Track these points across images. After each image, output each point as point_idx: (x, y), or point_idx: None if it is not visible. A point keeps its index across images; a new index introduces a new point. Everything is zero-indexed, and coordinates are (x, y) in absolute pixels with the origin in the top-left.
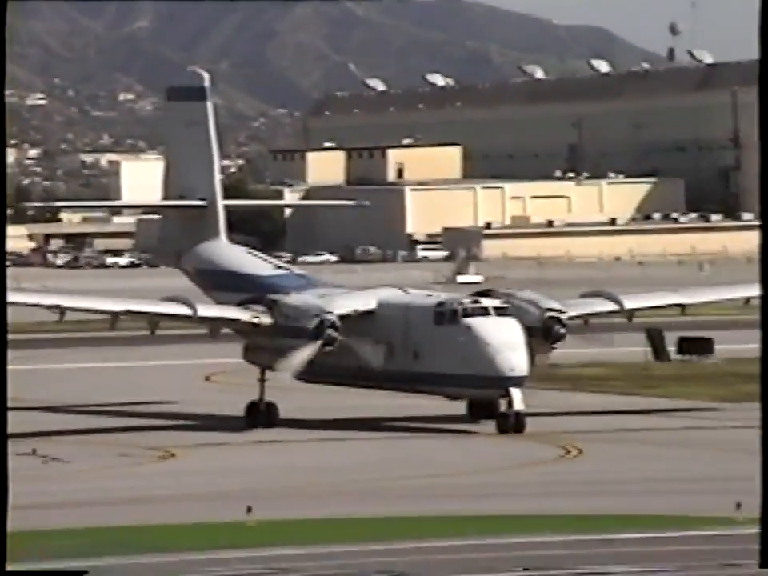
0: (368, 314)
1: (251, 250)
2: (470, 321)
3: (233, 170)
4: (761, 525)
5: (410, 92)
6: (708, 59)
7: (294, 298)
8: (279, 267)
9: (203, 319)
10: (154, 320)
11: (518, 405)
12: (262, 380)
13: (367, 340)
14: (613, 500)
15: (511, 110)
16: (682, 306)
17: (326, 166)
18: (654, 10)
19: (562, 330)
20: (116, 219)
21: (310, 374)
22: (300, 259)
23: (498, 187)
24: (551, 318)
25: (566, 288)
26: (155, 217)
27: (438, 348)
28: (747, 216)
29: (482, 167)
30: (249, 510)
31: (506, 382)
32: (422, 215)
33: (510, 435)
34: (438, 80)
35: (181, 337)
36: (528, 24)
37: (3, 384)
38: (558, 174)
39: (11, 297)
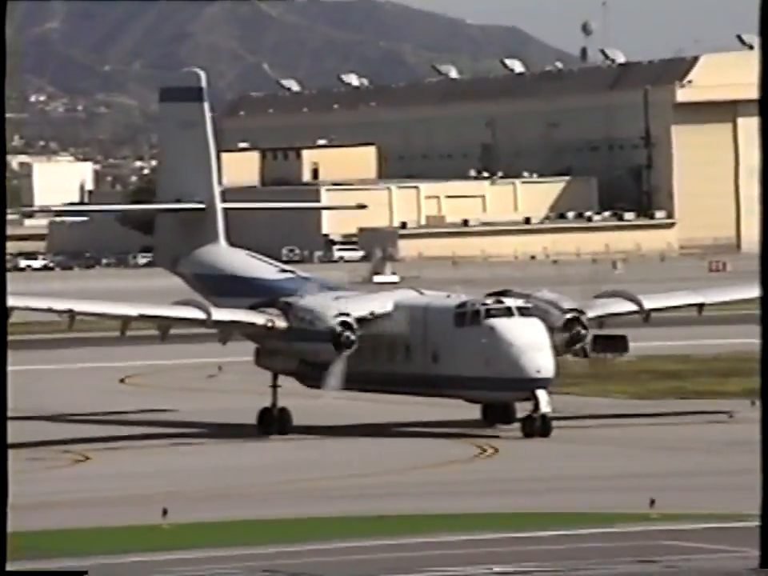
0: (384, 316)
1: (253, 254)
2: (492, 322)
3: (146, 171)
4: (761, 525)
5: (324, 92)
6: (620, 58)
7: (310, 301)
8: (284, 270)
9: (217, 323)
10: (166, 324)
11: (545, 407)
12: (275, 385)
13: (384, 343)
14: (527, 498)
15: (425, 110)
16: (700, 306)
17: (240, 167)
18: (566, 9)
19: (583, 332)
20: (27, 222)
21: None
22: None
23: (413, 187)
24: (571, 319)
25: (482, 287)
26: (68, 219)
27: (460, 350)
28: (660, 214)
29: (396, 167)
30: (164, 512)
31: (532, 384)
32: (338, 215)
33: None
34: (353, 80)
35: (93, 339)
36: (441, 24)
37: (3, 387)
38: (473, 173)
39: (23, 302)
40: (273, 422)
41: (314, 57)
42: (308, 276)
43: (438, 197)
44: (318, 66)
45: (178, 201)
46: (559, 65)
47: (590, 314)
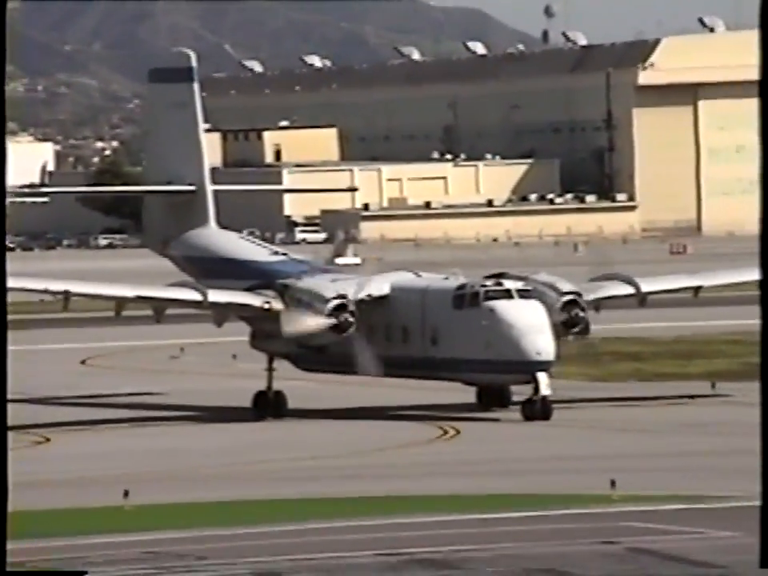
0: (381, 298)
1: (244, 236)
2: (492, 303)
3: (107, 152)
4: (761, 525)
5: (286, 73)
6: (582, 41)
7: (307, 282)
8: (276, 252)
9: (214, 305)
10: (162, 306)
11: (545, 390)
12: (270, 369)
13: (381, 326)
14: (489, 480)
15: (388, 92)
16: (697, 289)
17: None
18: None
19: (582, 314)
20: None
21: (322, 363)
22: None
23: (375, 169)
24: (570, 301)
25: (446, 269)
26: (28, 200)
27: (459, 333)
28: (621, 197)
29: (359, 149)
30: (126, 494)
31: (533, 367)
32: (300, 197)
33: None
34: (315, 61)
35: (47, 321)
36: (403, 5)
37: (3, 378)
38: (435, 155)
39: (17, 282)
40: (268, 405)
41: (276, 37)
42: (301, 258)
43: (400, 179)
44: (279, 46)
45: (168, 183)
46: (521, 47)
47: (588, 296)
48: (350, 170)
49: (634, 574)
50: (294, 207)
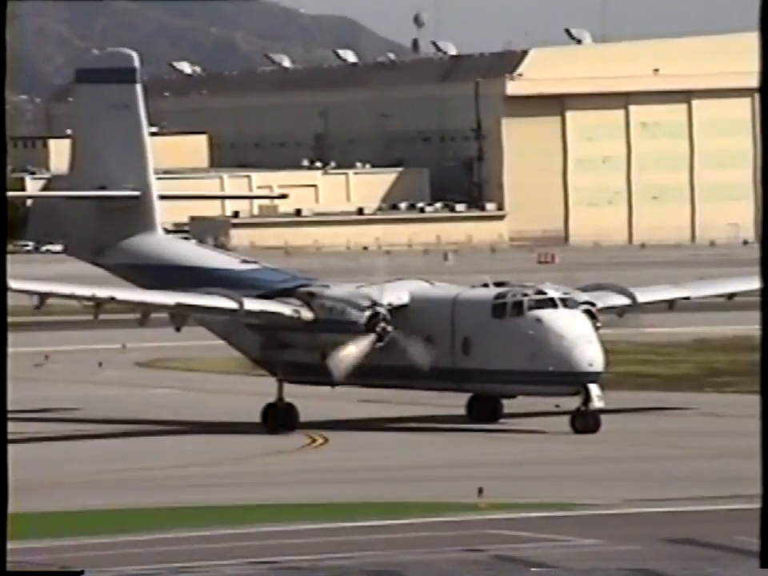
0: (400, 308)
1: (200, 243)
2: (538, 313)
3: None
4: (761, 524)
5: (155, 79)
6: (452, 51)
7: (338, 290)
8: (246, 261)
9: (249, 313)
10: (188, 313)
11: (597, 403)
12: (281, 380)
13: (410, 336)
14: (356, 488)
15: (258, 98)
16: (680, 300)
17: (68, 154)
18: (398, 1)
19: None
20: None
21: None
22: (44, 249)
23: (245, 176)
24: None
25: (321, 276)
26: None
27: (499, 343)
28: (490, 206)
29: (229, 156)
30: None
31: (584, 378)
32: (169, 204)
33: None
34: (185, 67)
35: None
36: (274, 13)
37: (3, 383)
38: (306, 163)
39: (69, 289)
40: (279, 417)
41: (145, 43)
42: (275, 267)
43: (270, 186)
44: (149, 51)
45: (102, 188)
46: (391, 56)
47: (599, 305)
48: (220, 177)
49: None
50: (162, 214)
